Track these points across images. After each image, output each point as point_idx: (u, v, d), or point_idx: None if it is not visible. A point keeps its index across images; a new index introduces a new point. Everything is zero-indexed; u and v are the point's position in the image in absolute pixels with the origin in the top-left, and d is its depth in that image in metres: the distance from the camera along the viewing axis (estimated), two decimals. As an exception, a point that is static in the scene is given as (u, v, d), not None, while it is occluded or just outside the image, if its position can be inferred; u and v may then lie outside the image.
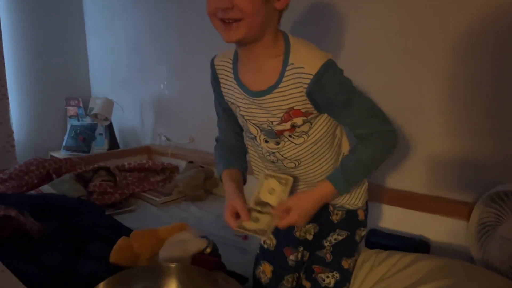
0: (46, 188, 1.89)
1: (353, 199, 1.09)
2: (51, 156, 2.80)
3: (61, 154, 2.76)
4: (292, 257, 1.14)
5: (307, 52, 0.89)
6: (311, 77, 0.86)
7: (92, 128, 2.81)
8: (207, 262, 1.10)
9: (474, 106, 1.31)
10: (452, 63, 1.33)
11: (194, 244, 1.12)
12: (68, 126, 2.92)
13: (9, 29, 2.75)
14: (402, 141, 1.47)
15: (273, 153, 1.01)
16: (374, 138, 0.93)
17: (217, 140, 1.16)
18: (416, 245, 1.34)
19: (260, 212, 0.95)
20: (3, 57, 2.60)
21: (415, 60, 1.42)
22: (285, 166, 1.03)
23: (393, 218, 1.50)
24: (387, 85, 1.49)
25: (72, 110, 3.03)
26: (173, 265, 1.00)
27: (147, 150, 2.64)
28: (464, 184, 1.36)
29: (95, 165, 2.13)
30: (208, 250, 1.13)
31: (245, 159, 1.12)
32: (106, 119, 2.70)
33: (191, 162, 2.24)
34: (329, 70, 0.87)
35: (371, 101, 0.94)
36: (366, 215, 1.15)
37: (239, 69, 0.98)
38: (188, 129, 2.43)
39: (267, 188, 0.99)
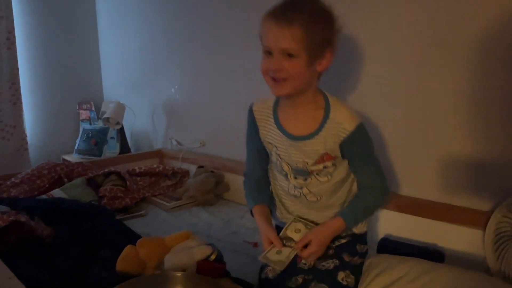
0: (57, 192, 1.90)
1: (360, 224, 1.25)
2: (64, 159, 2.82)
3: (73, 158, 2.78)
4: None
5: (345, 111, 1.10)
6: (348, 133, 1.07)
7: (104, 131, 2.82)
8: (212, 269, 1.10)
9: (490, 111, 1.28)
10: (467, 66, 1.30)
11: (199, 251, 1.12)
12: (80, 130, 2.94)
13: (23, 34, 2.78)
14: (416, 147, 1.45)
15: (300, 188, 1.18)
16: (376, 191, 1.17)
17: (245, 175, 1.33)
18: (430, 254, 1.30)
19: (284, 245, 1.12)
20: (16, 61, 2.64)
21: (429, 64, 1.39)
22: (307, 199, 1.19)
23: (405, 226, 1.47)
24: (402, 90, 1.47)
25: (84, 114, 3.05)
26: (179, 274, 1.00)
27: (159, 154, 2.64)
28: (478, 192, 1.33)
29: (106, 170, 2.13)
30: (213, 257, 1.13)
31: (270, 192, 1.30)
32: (118, 123, 2.71)
33: (201, 166, 2.23)
34: (362, 130, 1.10)
35: (379, 162, 1.17)
36: (365, 231, 1.28)
37: (279, 115, 1.16)
38: (199, 133, 2.43)
39: (294, 228, 1.17)
